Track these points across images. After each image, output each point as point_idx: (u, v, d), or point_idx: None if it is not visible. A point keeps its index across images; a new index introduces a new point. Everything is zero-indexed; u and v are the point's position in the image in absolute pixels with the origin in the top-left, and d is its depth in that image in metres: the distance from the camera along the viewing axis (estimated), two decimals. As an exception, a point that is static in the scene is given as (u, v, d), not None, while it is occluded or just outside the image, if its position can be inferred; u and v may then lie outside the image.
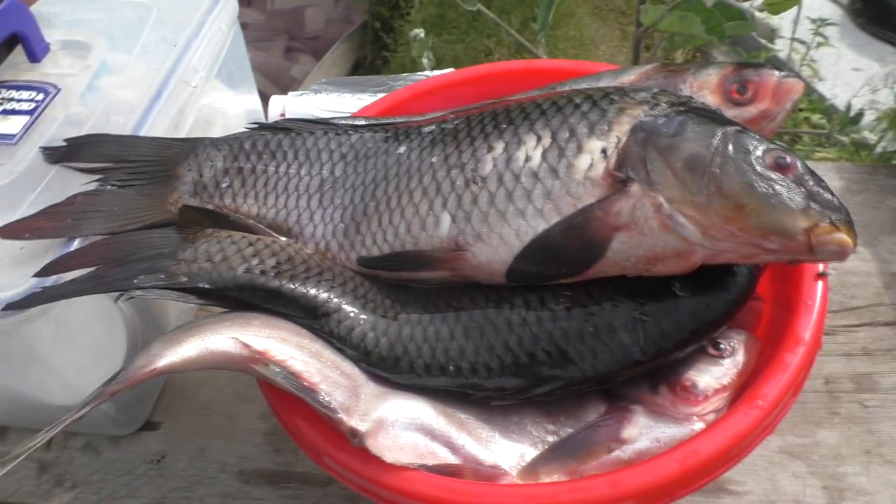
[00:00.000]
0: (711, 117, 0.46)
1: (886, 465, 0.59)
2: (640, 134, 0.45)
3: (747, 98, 0.53)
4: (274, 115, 0.88)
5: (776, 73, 0.53)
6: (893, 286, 0.70)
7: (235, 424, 0.66)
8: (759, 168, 0.42)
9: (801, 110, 1.83)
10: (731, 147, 0.43)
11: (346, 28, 2.46)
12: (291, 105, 0.89)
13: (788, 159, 0.43)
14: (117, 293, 0.48)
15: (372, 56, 2.46)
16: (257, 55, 2.35)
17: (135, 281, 0.48)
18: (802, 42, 1.80)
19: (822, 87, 1.94)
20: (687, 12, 0.99)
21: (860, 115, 1.12)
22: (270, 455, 0.64)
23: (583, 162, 0.46)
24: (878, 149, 1.23)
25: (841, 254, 0.42)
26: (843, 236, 0.41)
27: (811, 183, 0.43)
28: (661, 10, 1.00)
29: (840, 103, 1.86)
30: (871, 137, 1.02)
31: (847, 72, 1.96)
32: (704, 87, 0.55)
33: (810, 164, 0.78)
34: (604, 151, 0.46)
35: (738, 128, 0.45)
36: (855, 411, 0.62)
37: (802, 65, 1.89)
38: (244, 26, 2.60)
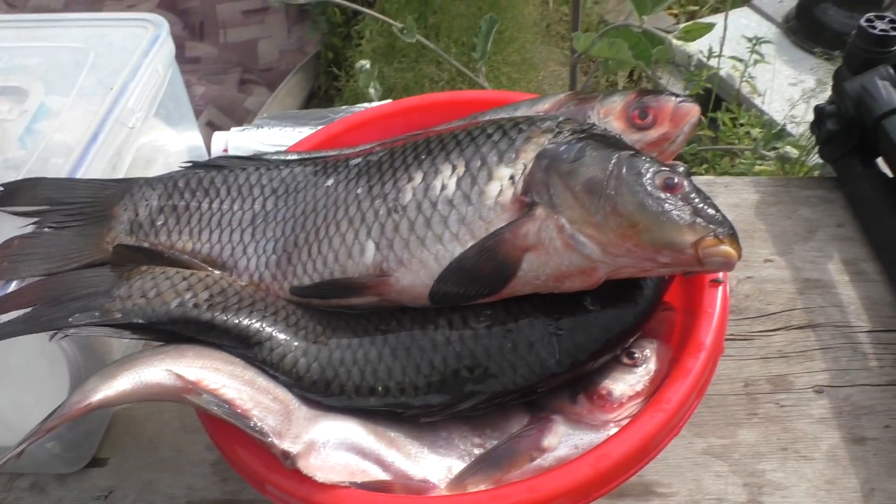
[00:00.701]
0: (608, 143, 0.50)
1: (801, 460, 0.62)
2: (543, 160, 0.49)
3: (648, 122, 0.57)
4: (217, 150, 0.90)
5: (674, 98, 0.57)
6: (806, 291, 0.74)
7: (183, 456, 0.68)
8: (649, 188, 0.46)
9: (742, 125, 1.90)
10: (624, 170, 0.47)
11: (300, 59, 2.49)
12: (234, 140, 0.92)
13: (676, 179, 0.46)
14: (52, 332, 0.50)
15: (326, 86, 2.49)
16: (211, 89, 2.37)
17: (69, 320, 0.49)
18: (740, 60, 1.87)
19: (761, 102, 2.02)
20: (615, 39, 1.04)
21: (782, 131, 1.18)
22: (218, 484, 0.65)
23: (493, 188, 0.50)
24: (811, 161, 1.30)
25: (727, 264, 0.46)
26: (727, 248, 0.45)
27: (697, 200, 0.46)
28: (593, 38, 1.05)
29: (778, 117, 1.94)
30: (793, 152, 1.08)
31: (784, 87, 2.04)
32: (610, 113, 0.58)
33: (744, 179, 0.84)
34: (512, 178, 0.50)
35: (632, 152, 0.49)
36: (772, 411, 0.66)
37: (741, 82, 1.98)
38: (197, 60, 2.61)
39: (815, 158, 1.30)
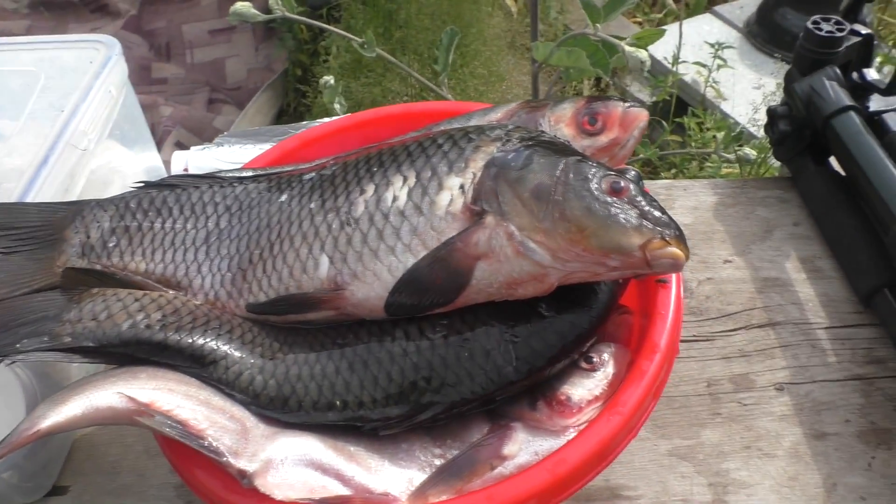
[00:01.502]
0: (555, 149, 0.50)
1: (764, 458, 0.63)
2: (492, 169, 0.49)
3: (597, 128, 0.57)
4: (177, 170, 0.89)
5: (622, 104, 0.58)
6: (765, 290, 0.75)
7: (146, 481, 0.66)
8: (596, 193, 0.47)
9: (708, 129, 1.93)
10: (571, 175, 0.47)
11: (268, 76, 2.49)
12: (195, 160, 0.91)
13: (622, 183, 0.47)
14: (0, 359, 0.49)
15: (295, 103, 2.49)
16: (179, 109, 2.36)
17: (17, 346, 0.48)
18: (704, 65, 1.91)
19: (726, 106, 2.06)
20: (573, 48, 1.05)
21: (741, 133, 1.20)
22: (182, 508, 0.64)
23: (443, 198, 0.50)
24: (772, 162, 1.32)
25: (675, 265, 0.46)
26: (674, 249, 0.45)
27: (643, 203, 0.47)
28: (551, 47, 1.06)
29: (742, 120, 1.97)
30: (751, 153, 1.10)
31: (747, 90, 2.08)
32: (560, 120, 0.59)
33: (702, 181, 0.85)
34: (462, 187, 0.50)
35: (578, 157, 0.49)
36: (734, 410, 0.66)
37: (706, 86, 2.01)
38: (164, 81, 2.59)
39: (773, 160, 1.32)
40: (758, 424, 0.65)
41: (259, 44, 2.59)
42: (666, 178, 1.89)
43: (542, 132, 0.54)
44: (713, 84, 2.02)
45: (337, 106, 1.33)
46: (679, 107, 1.95)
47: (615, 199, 0.47)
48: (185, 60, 2.56)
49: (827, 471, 0.62)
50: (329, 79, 1.37)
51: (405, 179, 0.52)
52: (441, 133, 0.56)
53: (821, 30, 0.79)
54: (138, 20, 2.56)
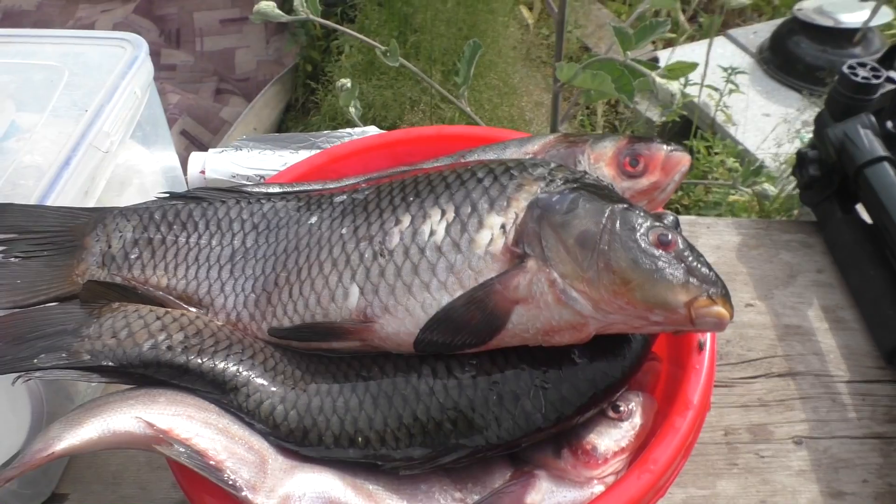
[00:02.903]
0: (601, 194, 0.49)
1: (781, 513, 0.62)
2: (535, 210, 0.48)
3: (639, 170, 0.56)
4: (193, 172, 0.87)
5: (665, 147, 0.57)
6: (786, 338, 0.74)
7: (147, 494, 0.65)
8: (643, 245, 0.45)
9: (717, 153, 1.93)
10: (618, 224, 0.46)
11: (278, 70, 2.47)
12: (211, 162, 0.89)
13: (670, 236, 0.46)
14: (15, 374, 0.47)
15: (303, 99, 2.47)
16: (186, 97, 2.33)
17: (35, 361, 0.47)
18: (716, 89, 1.90)
19: (735, 132, 2.06)
20: (599, 71, 1.04)
21: (760, 168, 1.19)
22: (184, 525, 0.63)
23: (483, 237, 0.49)
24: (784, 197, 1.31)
25: (719, 325, 0.45)
26: (720, 309, 0.44)
27: (691, 259, 0.46)
28: (576, 68, 1.05)
29: (751, 146, 1.97)
30: (771, 190, 1.09)
31: (758, 117, 2.08)
32: (601, 158, 0.58)
33: (726, 220, 0.83)
34: (503, 227, 0.48)
35: (626, 205, 0.48)
36: (751, 461, 0.65)
37: (717, 111, 2.00)
38: (173, 68, 2.57)
39: (788, 189, 1.32)
40: (775, 478, 0.64)
41: (270, 36, 2.57)
42: (672, 200, 1.88)
43: (586, 174, 0.53)
44: (724, 108, 2.02)
45: (352, 110, 1.31)
46: (687, 128, 1.94)
47: (662, 252, 0.45)
48: (194, 48, 2.53)
49: (844, 531, 0.61)
50: (346, 82, 1.35)
51: (443, 213, 0.51)
52: (479, 164, 0.54)
53: (857, 75, 0.78)
54: (150, 5, 2.54)
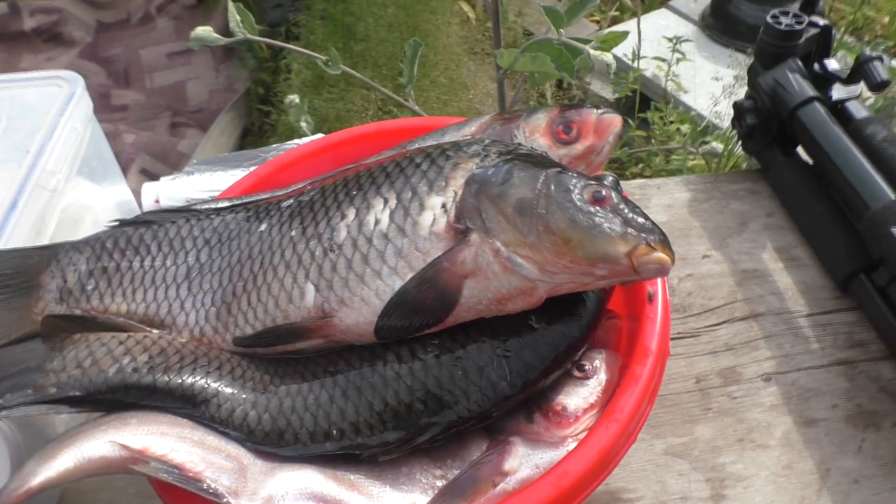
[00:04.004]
0: (534, 161, 0.50)
1: (758, 450, 0.64)
2: (473, 186, 0.49)
3: (573, 137, 0.58)
4: (148, 203, 0.88)
5: (595, 111, 0.58)
6: (745, 283, 0.76)
7: (140, 524, 0.65)
8: (578, 203, 0.47)
9: (671, 122, 1.96)
10: (552, 187, 0.48)
11: (230, 97, 2.46)
12: (165, 190, 0.90)
13: (604, 192, 0.47)
14: (-16, 416, 0.47)
15: (259, 122, 2.47)
16: (142, 136, 2.32)
17: (0, 401, 0.47)
18: (663, 60, 1.93)
19: (687, 99, 2.09)
20: (538, 53, 1.06)
21: (707, 127, 1.22)
22: (180, 549, 0.63)
23: (426, 218, 0.50)
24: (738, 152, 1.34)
25: (661, 270, 0.46)
26: (660, 255, 0.46)
27: (626, 211, 0.47)
28: (515, 53, 1.07)
29: (704, 112, 2.01)
30: (718, 147, 1.11)
31: (707, 81, 2.12)
32: (535, 130, 0.59)
33: (675, 179, 0.85)
34: (444, 206, 0.50)
35: (558, 169, 0.49)
36: (724, 404, 0.67)
37: (667, 81, 2.03)
38: (125, 108, 2.56)
39: (740, 150, 1.34)
40: (749, 416, 0.66)
41: (219, 64, 2.57)
42: (633, 173, 1.91)
43: (519, 145, 0.54)
44: (673, 78, 2.05)
45: (304, 124, 1.32)
46: (641, 102, 1.98)
47: (598, 208, 0.47)
48: (144, 85, 2.52)
49: (819, 457, 0.63)
50: (294, 98, 1.36)
51: (386, 201, 0.52)
52: (417, 151, 0.55)
53: (780, 24, 0.81)
54: (94, 48, 2.52)
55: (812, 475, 0.62)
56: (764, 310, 0.73)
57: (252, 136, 2.46)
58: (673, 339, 0.72)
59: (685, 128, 1.97)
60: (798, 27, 0.80)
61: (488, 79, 2.24)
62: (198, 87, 2.54)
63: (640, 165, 1.94)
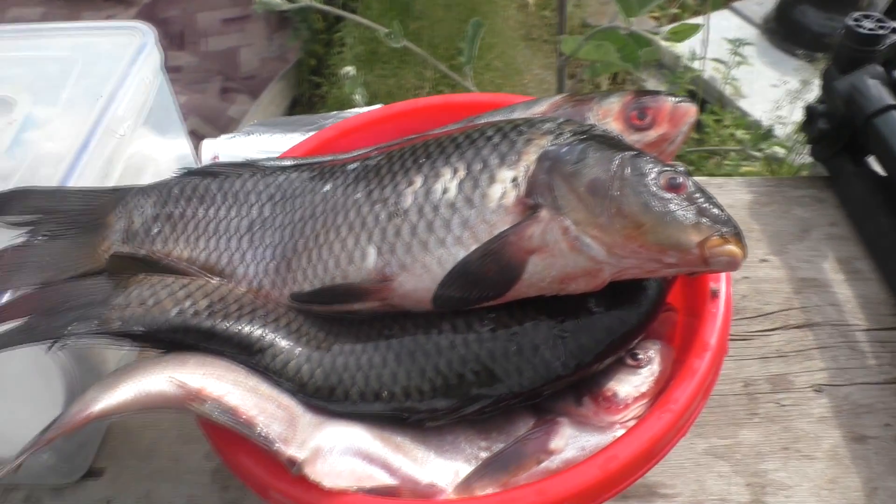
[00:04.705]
0: (611, 143, 0.49)
1: (803, 460, 0.63)
2: (546, 162, 0.49)
3: (647, 123, 0.57)
4: (206, 159, 0.89)
5: (671, 99, 0.57)
6: (802, 291, 0.75)
7: (181, 465, 0.66)
8: (653, 189, 0.46)
9: (726, 127, 1.92)
10: (628, 170, 0.47)
11: (282, 66, 2.48)
12: (223, 148, 0.91)
13: (680, 179, 0.46)
14: (49, 343, 0.48)
15: (308, 93, 2.48)
16: (193, 98, 2.36)
17: (68, 329, 0.48)
18: (723, 62, 1.90)
19: (744, 104, 2.05)
20: (602, 42, 1.04)
21: (770, 132, 1.19)
22: (218, 493, 0.64)
23: (496, 191, 0.49)
24: (797, 161, 1.31)
25: (732, 263, 0.46)
26: (732, 247, 0.45)
27: (701, 200, 0.46)
28: (579, 40, 1.06)
29: (760, 118, 1.97)
30: (780, 152, 1.09)
31: (766, 88, 2.07)
32: (608, 114, 0.58)
33: (737, 179, 0.84)
34: (514, 180, 0.49)
35: (635, 152, 0.49)
36: (772, 410, 0.66)
37: (724, 84, 2.00)
38: (178, 69, 2.60)
39: (801, 158, 1.32)
40: (796, 426, 0.65)
41: (273, 33, 2.58)
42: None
43: (594, 126, 0.54)
44: (732, 81, 2.01)
45: (358, 96, 1.32)
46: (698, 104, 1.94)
47: (673, 195, 0.46)
48: (198, 49, 2.55)
49: (867, 474, 0.61)
50: (350, 69, 1.36)
51: (455, 171, 0.52)
52: (488, 125, 0.55)
53: (862, 27, 0.78)
54: (152, 8, 2.56)
55: (857, 492, 0.61)
56: (820, 320, 0.72)
57: (301, 106, 2.48)
58: (725, 341, 0.71)
59: (740, 133, 1.93)
60: (881, 32, 0.78)
61: (541, 66, 2.22)
62: (250, 54, 2.56)
63: (691, 169, 1.91)
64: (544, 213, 0.47)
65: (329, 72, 2.32)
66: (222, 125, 2.30)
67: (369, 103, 1.27)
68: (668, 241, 0.45)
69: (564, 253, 0.47)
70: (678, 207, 0.46)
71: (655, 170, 0.47)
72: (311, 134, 0.89)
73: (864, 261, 0.76)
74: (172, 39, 2.60)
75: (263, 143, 0.92)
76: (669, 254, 0.46)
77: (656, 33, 1.04)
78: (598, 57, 1.06)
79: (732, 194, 0.84)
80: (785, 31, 2.17)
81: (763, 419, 0.65)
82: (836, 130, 0.81)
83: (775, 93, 2.03)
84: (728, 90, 2.03)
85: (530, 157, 0.50)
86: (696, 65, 1.84)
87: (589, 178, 0.47)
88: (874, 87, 0.76)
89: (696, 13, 2.37)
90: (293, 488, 0.47)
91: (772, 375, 0.68)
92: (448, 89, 2.07)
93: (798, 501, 0.60)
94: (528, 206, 0.48)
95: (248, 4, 2.54)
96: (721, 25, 2.26)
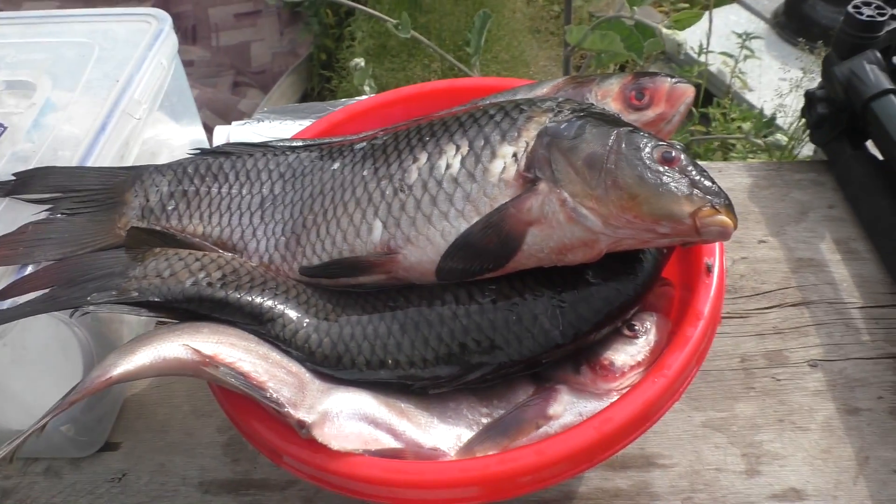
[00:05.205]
0: (607, 120, 0.51)
1: (797, 431, 0.64)
2: (545, 138, 0.51)
3: (644, 103, 0.59)
4: (220, 143, 0.91)
5: (669, 79, 0.59)
6: (799, 270, 0.76)
7: (194, 439, 0.69)
8: (648, 162, 0.48)
9: (733, 120, 1.93)
10: (623, 145, 0.49)
11: (293, 61, 2.51)
12: (235, 134, 0.93)
13: (673, 153, 0.48)
14: (71, 311, 0.51)
15: (319, 87, 2.51)
16: (205, 91, 2.39)
17: (88, 298, 0.51)
18: (730, 55, 1.90)
19: (752, 97, 2.05)
20: (607, 31, 1.06)
21: (772, 119, 1.21)
22: (229, 465, 0.67)
23: (496, 166, 0.51)
24: (801, 150, 1.32)
25: (723, 233, 0.47)
26: (723, 218, 0.47)
27: (694, 173, 0.48)
28: (585, 30, 1.07)
29: (768, 111, 1.97)
30: (782, 139, 1.10)
31: (773, 81, 2.07)
32: (608, 95, 0.60)
33: (737, 164, 0.85)
34: (514, 155, 0.51)
35: (631, 128, 0.50)
36: (768, 385, 0.67)
37: (732, 77, 2.00)
38: (190, 63, 2.63)
39: (803, 148, 1.33)
40: (791, 399, 0.66)
41: (284, 28, 2.61)
42: (695, 163, 1.88)
43: (593, 105, 0.56)
44: (739, 75, 2.01)
45: (367, 88, 1.34)
46: (704, 97, 1.95)
47: (667, 167, 0.48)
48: (210, 43, 2.59)
49: (859, 444, 0.63)
50: (359, 61, 1.38)
51: (458, 148, 0.54)
52: (491, 105, 0.57)
53: (861, 14, 0.80)
54: (165, 3, 2.59)
55: (850, 461, 0.62)
56: (816, 298, 0.73)
57: (311, 100, 2.51)
58: (722, 318, 0.73)
59: (747, 126, 1.94)
60: (880, 18, 0.79)
61: (548, 59, 2.23)
62: (262, 49, 2.59)
63: (697, 160, 1.92)
64: (543, 186, 0.49)
65: (339, 66, 2.35)
66: (232, 119, 2.32)
67: (378, 95, 1.28)
68: (661, 211, 0.47)
69: (562, 224, 0.49)
70: (671, 180, 0.47)
71: (650, 144, 0.49)
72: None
73: (861, 241, 0.78)
74: (185, 34, 2.63)
75: (274, 129, 0.94)
76: (663, 224, 0.47)
77: (661, 22, 1.05)
78: (603, 47, 1.08)
79: (732, 178, 0.86)
80: (794, 25, 2.17)
81: (759, 393, 0.67)
82: (835, 115, 0.82)
83: (782, 86, 2.03)
84: (735, 83, 2.03)
85: (530, 133, 0.52)
86: (702, 58, 1.85)
87: (586, 152, 0.49)
88: (872, 73, 0.78)
89: (704, 7, 2.37)
90: (303, 451, 0.49)
91: (768, 351, 0.70)
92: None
93: (792, 470, 0.62)
94: (528, 180, 0.50)
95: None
96: (730, 19, 2.27)
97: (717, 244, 0.56)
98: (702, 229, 0.47)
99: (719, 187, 0.48)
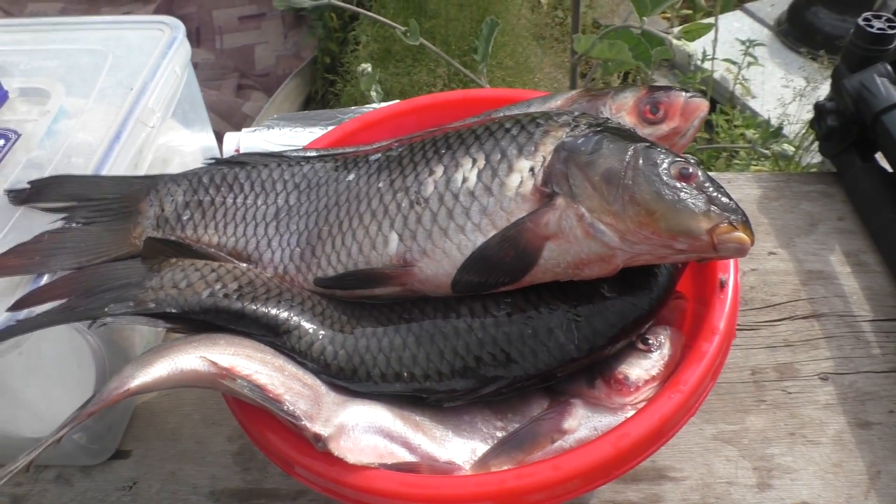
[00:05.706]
0: (624, 135, 0.52)
1: (808, 445, 0.64)
2: (562, 153, 0.51)
3: (659, 117, 0.59)
4: (229, 151, 0.92)
5: (684, 94, 0.59)
6: (809, 283, 0.76)
7: (205, 447, 0.69)
8: (665, 178, 0.48)
9: (736, 127, 1.93)
10: (641, 161, 0.49)
11: (297, 64, 2.51)
12: (245, 141, 0.93)
13: (691, 169, 0.48)
14: (88, 322, 0.51)
15: (323, 90, 2.51)
16: (209, 94, 2.39)
17: (105, 309, 0.51)
18: (734, 62, 1.90)
19: (755, 104, 2.05)
20: (616, 40, 1.06)
21: (779, 129, 1.21)
22: (240, 474, 0.67)
23: (514, 180, 0.52)
24: (806, 160, 1.32)
25: (740, 250, 0.47)
26: (740, 234, 0.47)
27: (711, 189, 0.48)
28: (593, 39, 1.08)
29: (771, 118, 1.97)
30: (789, 149, 1.10)
31: (777, 88, 2.08)
32: (622, 108, 0.60)
33: (746, 175, 0.86)
34: (532, 170, 0.51)
35: (648, 144, 0.51)
36: (779, 398, 0.68)
37: (735, 84, 2.00)
38: (194, 66, 2.63)
39: (809, 157, 1.33)
40: (802, 412, 0.67)
41: (288, 31, 2.62)
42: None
43: (608, 119, 0.56)
44: (742, 82, 2.02)
45: (374, 93, 1.34)
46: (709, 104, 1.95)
47: (684, 184, 0.48)
48: (214, 46, 2.59)
49: (870, 459, 0.63)
50: (367, 66, 1.38)
51: (474, 161, 0.54)
52: (506, 118, 0.57)
53: (872, 27, 0.80)
54: (169, 5, 2.59)
55: (861, 475, 0.62)
56: (827, 311, 0.74)
57: (315, 103, 2.51)
58: (732, 330, 0.73)
59: (751, 133, 1.94)
60: (890, 31, 0.79)
61: (552, 65, 2.24)
62: (266, 52, 2.59)
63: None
64: (560, 201, 0.50)
65: (343, 69, 2.35)
66: (236, 121, 2.33)
67: (384, 100, 1.29)
68: (679, 227, 0.47)
69: (579, 239, 0.49)
70: (689, 196, 0.48)
71: (667, 160, 0.49)
72: (331, 127, 0.92)
73: (871, 254, 0.78)
74: (189, 36, 2.62)
75: (284, 136, 0.94)
76: (680, 240, 0.48)
77: (668, 33, 1.05)
78: (612, 55, 1.08)
79: (742, 189, 0.86)
80: (797, 33, 2.17)
81: (770, 406, 0.67)
82: (844, 127, 0.82)
83: (786, 93, 2.04)
84: (739, 90, 2.04)
85: (547, 148, 0.52)
86: (706, 65, 1.85)
87: (604, 167, 0.49)
88: (883, 85, 0.78)
89: (708, 14, 2.38)
90: (318, 463, 0.49)
91: (779, 364, 0.70)
92: (460, 86, 2.09)
93: (803, 484, 0.62)
94: (545, 195, 0.50)
95: (263, 2, 2.58)
96: (733, 26, 2.27)
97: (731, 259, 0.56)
98: (719, 246, 0.47)
99: (736, 204, 0.48)
